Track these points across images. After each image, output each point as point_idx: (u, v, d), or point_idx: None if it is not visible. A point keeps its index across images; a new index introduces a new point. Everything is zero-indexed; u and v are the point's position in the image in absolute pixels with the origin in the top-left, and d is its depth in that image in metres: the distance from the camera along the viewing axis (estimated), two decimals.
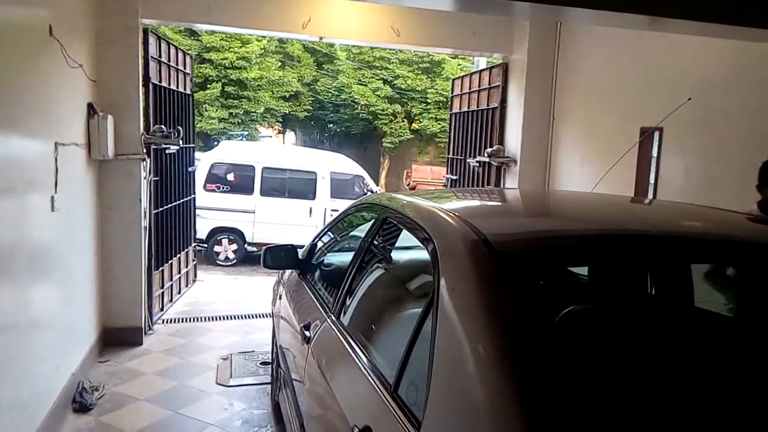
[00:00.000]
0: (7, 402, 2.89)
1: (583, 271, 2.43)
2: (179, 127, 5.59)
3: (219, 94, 16.72)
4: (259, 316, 6.03)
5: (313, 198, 10.20)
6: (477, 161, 6.35)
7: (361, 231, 2.79)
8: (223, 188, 9.98)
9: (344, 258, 2.81)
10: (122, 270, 4.92)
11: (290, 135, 23.85)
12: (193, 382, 4.38)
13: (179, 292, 6.52)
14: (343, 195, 10.11)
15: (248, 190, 10.01)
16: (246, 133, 18.09)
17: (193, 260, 7.17)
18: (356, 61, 18.94)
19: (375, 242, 2.52)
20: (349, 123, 20.14)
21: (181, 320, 5.83)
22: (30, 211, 3.21)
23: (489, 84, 6.28)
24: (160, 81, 5.50)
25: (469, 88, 6.78)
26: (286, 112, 18.79)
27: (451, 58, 17.81)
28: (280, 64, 18.14)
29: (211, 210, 9.47)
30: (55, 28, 3.50)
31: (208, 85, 16.43)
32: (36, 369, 3.31)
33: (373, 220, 2.60)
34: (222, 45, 16.24)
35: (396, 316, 2.22)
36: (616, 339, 1.50)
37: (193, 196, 6.96)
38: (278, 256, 3.30)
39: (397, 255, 2.63)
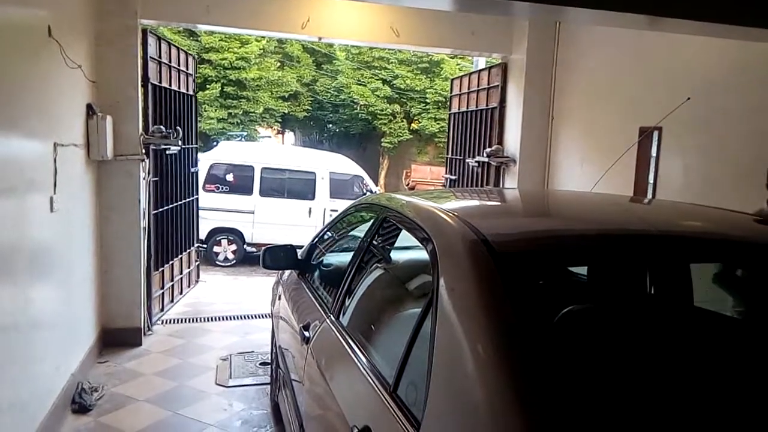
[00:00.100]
0: (7, 402, 2.89)
1: (582, 270, 2.43)
2: (178, 128, 5.58)
3: (218, 95, 16.72)
4: (259, 317, 6.02)
5: (313, 198, 10.21)
6: (476, 161, 6.34)
7: (360, 231, 2.79)
8: (222, 188, 9.98)
9: (343, 258, 2.81)
10: (121, 270, 4.91)
11: (289, 135, 23.84)
12: (192, 383, 4.38)
13: (181, 293, 6.52)
14: (343, 195, 10.12)
15: (247, 190, 10.01)
16: (245, 133, 18.09)
17: (196, 261, 7.16)
18: (355, 61, 18.93)
19: (374, 242, 2.52)
20: (348, 123, 20.14)
21: (180, 321, 5.82)
22: (29, 211, 3.21)
23: (488, 84, 6.28)
24: (160, 81, 5.49)
25: (468, 88, 6.78)
26: (286, 112, 18.78)
27: (450, 58, 17.81)
28: (279, 64, 18.13)
29: (211, 210, 9.46)
30: (54, 28, 3.49)
31: (207, 86, 16.43)
32: (35, 369, 3.31)
33: (372, 220, 2.60)
34: (221, 45, 16.23)
35: (395, 316, 2.22)
36: (615, 339, 1.50)
37: (195, 197, 6.95)
38: (277, 257, 3.30)
39: (396, 255, 2.63)
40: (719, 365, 1.54)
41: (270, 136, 23.06)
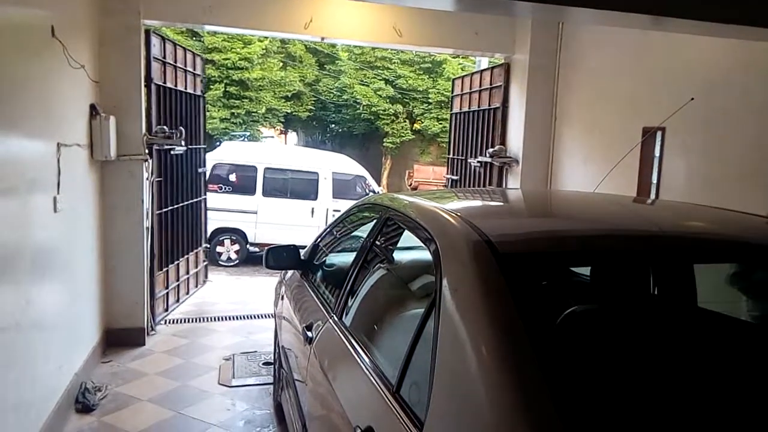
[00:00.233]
0: (11, 402, 2.90)
1: (585, 271, 2.42)
2: (181, 128, 5.59)
3: (221, 95, 16.74)
4: (262, 317, 6.03)
5: (315, 198, 10.21)
6: (478, 161, 6.34)
7: (363, 231, 2.79)
8: (225, 189, 9.99)
9: (346, 258, 2.81)
10: (125, 270, 4.92)
11: (292, 135, 23.86)
12: (195, 383, 4.39)
13: (187, 293, 6.53)
14: (345, 195, 10.12)
15: (250, 190, 10.02)
16: (248, 133, 18.11)
17: (204, 261, 7.17)
18: (358, 61, 18.94)
19: (377, 243, 2.52)
20: (350, 123, 20.15)
21: (184, 321, 5.84)
22: (33, 211, 3.22)
23: (490, 84, 6.27)
24: (165, 82, 5.50)
25: (470, 88, 6.77)
26: (288, 112, 18.80)
27: (453, 58, 17.80)
28: (282, 64, 18.14)
29: (213, 210, 9.45)
30: (58, 29, 3.50)
31: (211, 86, 16.45)
32: (39, 369, 3.32)
33: (375, 221, 2.60)
34: (224, 46, 16.26)
35: (398, 316, 2.22)
36: (619, 339, 1.50)
37: (203, 197, 6.96)
38: (280, 257, 3.30)
39: (399, 255, 2.63)
40: (723, 366, 1.54)
41: (273, 136, 23.09)
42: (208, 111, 16.54)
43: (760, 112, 3.44)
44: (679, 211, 2.45)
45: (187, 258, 6.46)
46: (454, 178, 7.11)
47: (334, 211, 9.75)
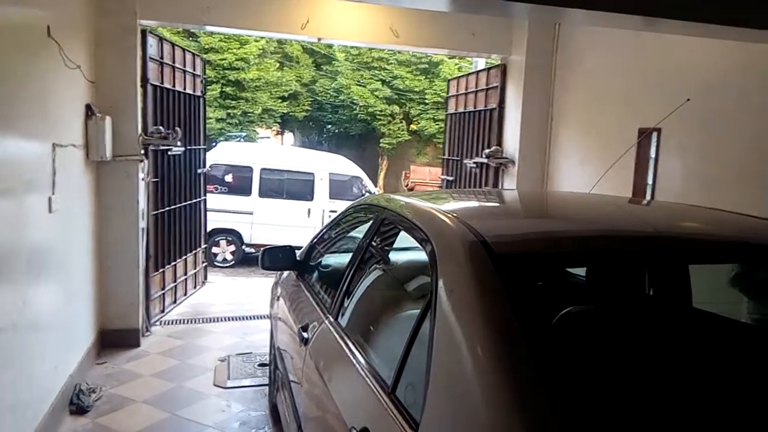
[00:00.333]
0: (5, 403, 2.88)
1: (581, 272, 2.43)
2: (177, 128, 5.57)
3: (218, 95, 16.71)
4: (257, 318, 6.02)
5: (312, 199, 10.20)
6: (474, 162, 6.34)
7: (359, 232, 2.79)
8: (220, 189, 9.97)
9: (342, 259, 2.81)
10: (120, 271, 4.91)
11: (288, 136, 23.84)
12: (190, 384, 4.38)
13: (185, 294, 6.50)
14: (342, 196, 10.12)
15: (246, 191, 10.00)
16: (244, 134, 18.07)
17: (203, 262, 7.14)
18: (355, 62, 18.93)
19: (373, 243, 2.52)
20: (347, 124, 20.13)
21: (179, 322, 5.82)
22: (28, 212, 3.20)
23: (487, 85, 6.28)
24: (162, 82, 5.49)
25: (466, 89, 6.78)
26: (285, 112, 18.77)
27: (449, 58, 17.82)
28: (278, 65, 18.11)
29: (209, 211, 9.43)
30: (53, 28, 3.49)
31: (207, 86, 16.42)
32: (33, 370, 3.30)
33: (371, 221, 2.60)
34: (221, 46, 16.22)
35: (394, 317, 2.22)
36: (614, 340, 1.50)
37: (203, 198, 6.93)
38: (276, 258, 3.30)
39: (395, 256, 2.63)
40: (718, 367, 1.54)
41: (269, 137, 23.05)
42: None
43: (758, 113, 3.45)
44: (675, 212, 2.46)
45: (185, 259, 6.44)
46: (450, 178, 7.12)
47: (331, 211, 9.75)
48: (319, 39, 5.69)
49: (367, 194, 9.97)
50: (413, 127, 19.63)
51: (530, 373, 1.27)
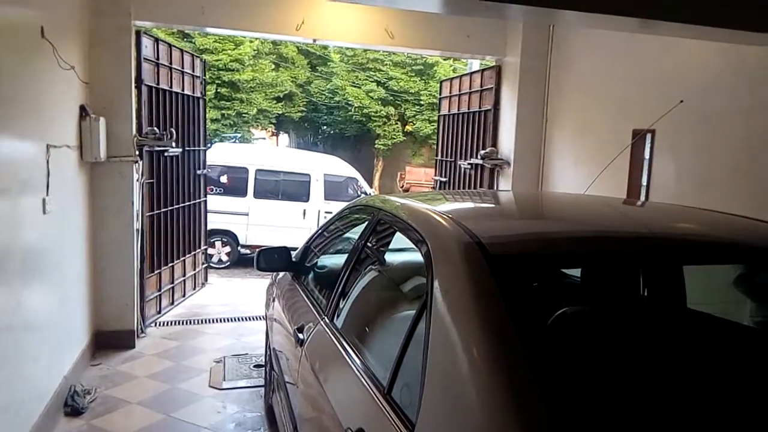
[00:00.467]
0: (1, 404, 2.87)
1: (576, 273, 2.44)
2: (172, 129, 5.56)
3: (212, 96, 16.66)
4: (253, 319, 6.01)
5: (307, 200, 10.19)
6: (469, 163, 6.36)
7: (354, 233, 2.79)
8: (216, 190, 9.94)
9: (338, 260, 2.81)
10: (114, 273, 4.89)
11: (284, 137, 23.81)
12: (185, 386, 4.36)
13: (184, 295, 6.48)
14: (337, 197, 10.11)
15: (241, 192, 9.98)
16: (239, 135, 18.04)
17: (203, 263, 7.10)
18: (350, 63, 18.93)
19: (368, 244, 2.52)
20: (342, 125, 20.12)
21: (174, 323, 5.80)
22: (22, 213, 3.19)
23: (481, 86, 6.30)
24: (158, 83, 5.48)
25: (459, 90, 6.79)
26: (280, 113, 18.74)
27: (444, 60, 17.83)
28: (273, 65, 18.09)
29: None
30: (47, 29, 3.48)
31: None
32: (28, 372, 3.29)
33: (366, 222, 2.60)
34: (215, 47, 16.19)
35: (389, 318, 2.22)
36: (609, 341, 1.51)
37: (202, 199, 6.90)
38: (272, 259, 3.29)
39: (390, 257, 2.63)
40: (713, 367, 1.55)
41: (264, 138, 23.02)
42: None
43: (749, 114, 3.48)
44: (669, 212, 2.47)
45: (184, 260, 6.41)
46: (443, 179, 7.12)
47: (326, 212, 9.74)
48: (314, 40, 5.70)
49: (363, 195, 9.96)
50: (408, 128, 19.63)
51: (525, 374, 1.28)
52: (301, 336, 2.58)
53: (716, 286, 2.44)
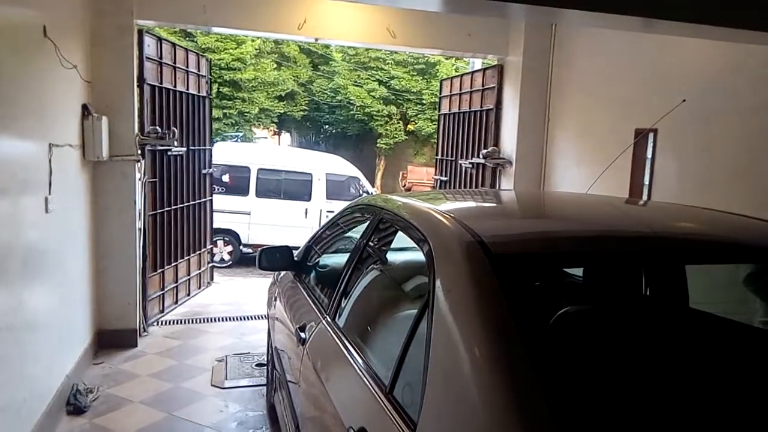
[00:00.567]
0: (1, 404, 2.87)
1: (578, 272, 2.43)
2: (174, 128, 5.57)
3: (214, 95, 16.67)
4: (255, 318, 6.02)
5: (309, 199, 10.19)
6: (470, 162, 6.35)
7: (356, 232, 2.79)
8: (218, 189, 9.94)
9: (340, 259, 2.81)
10: (117, 272, 4.90)
11: (286, 136, 23.82)
12: (188, 384, 4.37)
13: (188, 295, 6.48)
14: (339, 196, 10.11)
15: (243, 191, 9.99)
16: (241, 134, 18.06)
17: (209, 263, 7.09)
18: (352, 62, 18.93)
19: (370, 243, 2.52)
20: (344, 124, 20.13)
21: (176, 322, 5.81)
22: (24, 212, 3.20)
23: (483, 85, 6.29)
24: (161, 82, 5.48)
25: (460, 89, 6.78)
26: (282, 112, 18.75)
27: (446, 59, 17.82)
28: (275, 64, 18.09)
29: None
30: (49, 28, 3.48)
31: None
32: (30, 371, 3.30)
33: (368, 222, 2.60)
34: (217, 46, 16.20)
35: (391, 317, 2.22)
36: (611, 340, 1.51)
37: (208, 198, 6.88)
38: (274, 258, 3.29)
39: (392, 256, 2.63)
40: (715, 367, 1.55)
41: (266, 137, 23.03)
42: None
43: (751, 113, 3.47)
44: (671, 212, 2.46)
45: (188, 260, 6.41)
46: (443, 179, 7.11)
47: (328, 212, 9.73)
48: (316, 39, 5.69)
49: (365, 194, 9.96)
50: (410, 127, 19.64)
51: (527, 373, 1.28)
52: (302, 335, 2.58)
53: (719, 286, 2.43)
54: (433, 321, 1.52)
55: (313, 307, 2.72)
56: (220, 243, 9.75)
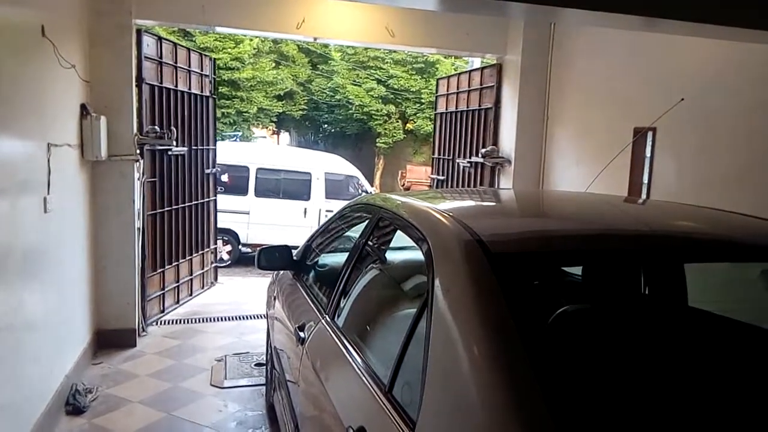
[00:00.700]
0: (0, 404, 2.87)
1: (577, 271, 2.43)
2: (173, 128, 5.56)
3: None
4: (254, 318, 6.01)
5: (308, 199, 10.19)
6: (468, 161, 6.35)
7: (355, 231, 2.79)
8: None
9: (339, 259, 2.81)
10: (116, 271, 4.89)
11: (284, 135, 23.82)
12: (187, 384, 4.37)
13: (190, 294, 6.46)
14: (338, 195, 10.11)
15: (242, 190, 9.98)
16: (239, 133, 18.05)
17: (212, 263, 7.06)
18: (350, 61, 18.92)
19: (369, 243, 2.52)
20: (343, 123, 20.13)
21: (175, 322, 5.80)
22: (22, 212, 3.19)
23: (481, 84, 6.28)
24: (161, 82, 5.47)
25: (458, 88, 6.77)
26: (281, 112, 18.75)
27: (445, 58, 17.83)
28: (274, 64, 18.08)
29: None
30: (48, 28, 3.48)
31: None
32: (29, 371, 3.29)
33: (367, 221, 2.60)
34: (215, 45, 16.18)
35: (390, 316, 2.22)
36: (610, 339, 1.51)
37: (211, 198, 6.86)
38: (273, 257, 3.29)
39: (391, 255, 2.63)
40: (714, 366, 1.55)
41: (265, 137, 23.03)
42: None
43: (751, 112, 3.47)
44: (670, 211, 2.46)
45: (191, 260, 6.39)
46: (441, 178, 7.09)
47: (327, 211, 9.74)
48: (315, 39, 5.69)
49: (364, 194, 9.96)
50: (409, 126, 19.64)
51: (526, 372, 1.27)
52: (302, 334, 2.58)
53: (717, 284, 2.43)
54: (432, 320, 1.52)
55: (312, 306, 2.72)
56: (219, 242, 9.74)
